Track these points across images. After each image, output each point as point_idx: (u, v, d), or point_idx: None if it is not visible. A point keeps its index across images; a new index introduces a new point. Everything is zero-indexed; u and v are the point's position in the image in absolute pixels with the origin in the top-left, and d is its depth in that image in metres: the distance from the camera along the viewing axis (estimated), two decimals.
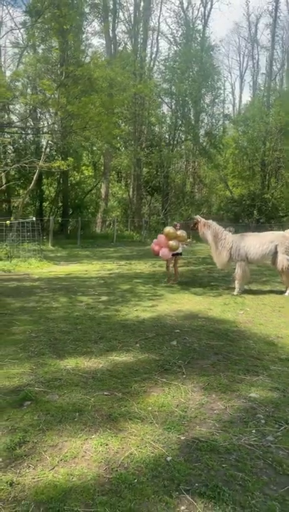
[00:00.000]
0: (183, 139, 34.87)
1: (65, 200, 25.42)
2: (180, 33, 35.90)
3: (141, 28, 32.94)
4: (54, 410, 3.38)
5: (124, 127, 32.33)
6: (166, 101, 35.43)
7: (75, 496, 2.36)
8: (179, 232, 9.31)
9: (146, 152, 31.22)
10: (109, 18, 30.52)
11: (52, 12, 17.91)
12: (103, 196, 28.66)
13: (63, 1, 17.84)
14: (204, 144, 34.05)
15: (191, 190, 38.04)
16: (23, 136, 19.93)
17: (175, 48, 36.23)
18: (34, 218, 14.48)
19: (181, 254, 10.21)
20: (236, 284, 8.80)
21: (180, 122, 34.79)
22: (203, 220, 9.09)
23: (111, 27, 30.09)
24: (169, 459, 2.74)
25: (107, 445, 2.88)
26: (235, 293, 8.67)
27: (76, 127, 20.87)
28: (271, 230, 12.49)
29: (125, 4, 33.11)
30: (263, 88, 40.33)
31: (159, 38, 37.19)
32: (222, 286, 9.60)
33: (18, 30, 24.23)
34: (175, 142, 34.55)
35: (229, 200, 36.94)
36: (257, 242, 8.43)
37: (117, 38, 33.46)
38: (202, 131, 34.62)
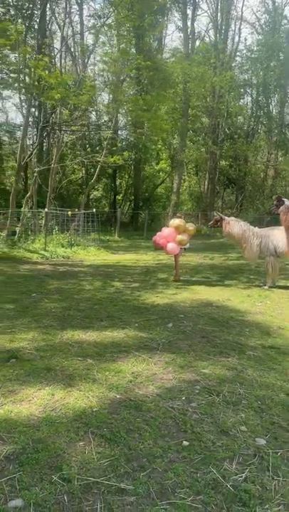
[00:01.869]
0: (261, 131, 33.83)
1: (136, 193, 26.40)
2: (263, 21, 34.66)
3: (220, 19, 32.47)
4: (29, 367, 4.07)
5: (203, 120, 32.47)
6: (246, 92, 34.67)
7: (5, 425, 3.00)
8: (188, 225, 8.95)
9: (221, 145, 31.02)
10: (189, 10, 30.63)
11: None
12: (175, 190, 29.17)
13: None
14: (281, 135, 32.68)
15: (272, 184, 36.80)
16: (98, 132, 21.14)
17: (257, 37, 35.17)
18: (94, 210, 15.52)
19: (185, 248, 10.20)
20: (267, 278, 8.81)
21: (260, 113, 33.88)
22: (226, 218, 8.96)
23: (190, 20, 30.22)
24: (95, 409, 3.25)
25: (53, 395, 3.48)
26: (266, 287, 8.69)
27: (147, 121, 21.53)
28: None
29: None
30: None
31: (242, 27, 36.31)
32: (260, 280, 9.62)
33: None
34: (254, 134, 33.72)
35: None
36: (285, 236, 8.35)
37: (196, 30, 33.60)
38: (281, 123, 33.19)
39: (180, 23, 31.56)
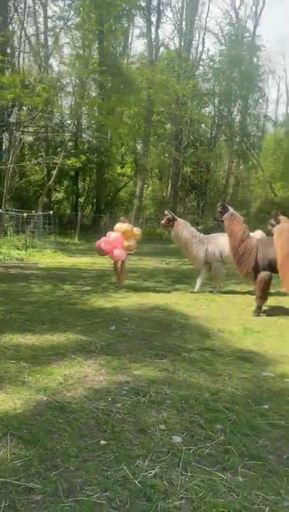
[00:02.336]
0: (222, 140, 34.69)
1: (99, 196, 26.36)
2: (226, 32, 35.56)
3: (184, 28, 33.09)
4: None
5: (166, 126, 32.91)
6: (209, 101, 35.41)
7: None
8: (135, 230, 8.79)
9: (184, 152, 31.54)
10: (153, 17, 30.98)
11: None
12: (137, 194, 29.35)
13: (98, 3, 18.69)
14: (242, 144, 33.66)
15: (233, 192, 37.68)
16: (57, 134, 21.02)
17: (220, 48, 36.08)
18: (52, 212, 15.40)
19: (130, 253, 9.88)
20: (215, 283, 9.06)
21: (222, 122, 34.73)
22: (179, 219, 8.95)
23: (154, 27, 30.58)
24: (18, 411, 3.26)
25: None
26: (214, 291, 8.93)
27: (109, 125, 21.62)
28: None
29: (170, 4, 33.08)
30: None
31: (205, 37, 37.09)
32: (210, 284, 9.84)
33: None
34: (215, 142, 34.51)
35: (270, 202, 36.18)
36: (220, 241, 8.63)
37: (162, 37, 34.11)
38: (241, 132, 34.17)
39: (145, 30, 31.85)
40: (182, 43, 33.55)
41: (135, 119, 27.67)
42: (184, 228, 8.82)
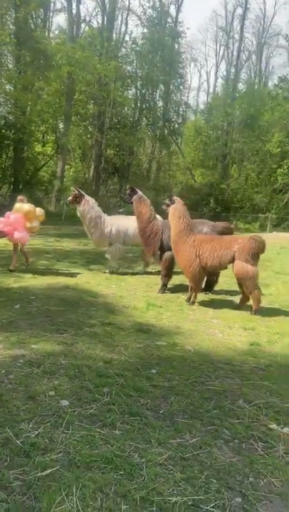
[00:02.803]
0: (144, 124, 35.03)
1: (16, 174, 25.39)
2: (150, 16, 35.60)
3: (107, 6, 32.59)
4: None
5: (89, 107, 32.36)
6: (132, 83, 35.41)
7: None
8: (37, 211, 8.36)
9: (106, 134, 31.40)
10: None
11: None
12: (58, 174, 28.77)
13: None
14: (164, 130, 34.34)
15: (155, 176, 38.34)
16: None
17: (142, 31, 36.15)
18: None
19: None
20: (111, 263, 9.14)
21: (144, 106, 35.05)
22: (87, 196, 8.78)
23: (75, 2, 29.70)
24: None
25: None
26: (108, 271, 8.98)
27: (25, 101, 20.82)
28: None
29: None
30: (229, 79, 40.74)
31: (128, 18, 36.79)
32: (125, 265, 10.10)
33: None
34: (137, 126, 34.76)
35: (189, 188, 37.46)
36: (133, 225, 8.77)
37: (84, 13, 33.28)
38: (163, 117, 34.80)
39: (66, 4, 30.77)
40: (105, 22, 33.08)
41: (55, 96, 26.85)
42: (91, 207, 8.66)
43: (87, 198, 8.75)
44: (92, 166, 32.72)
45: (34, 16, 26.87)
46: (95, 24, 33.92)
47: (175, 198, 6.81)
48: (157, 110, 35.20)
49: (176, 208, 6.63)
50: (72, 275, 8.44)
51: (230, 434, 2.98)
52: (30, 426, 2.84)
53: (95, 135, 30.34)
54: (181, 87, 36.71)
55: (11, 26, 24.21)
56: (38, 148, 29.88)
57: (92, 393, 3.38)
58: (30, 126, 22.94)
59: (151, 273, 9.34)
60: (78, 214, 8.83)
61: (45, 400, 3.21)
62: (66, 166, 31.78)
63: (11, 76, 21.03)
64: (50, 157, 29.40)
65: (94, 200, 8.95)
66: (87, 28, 33.26)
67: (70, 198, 8.80)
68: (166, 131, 35.15)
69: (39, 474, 2.36)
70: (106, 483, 2.34)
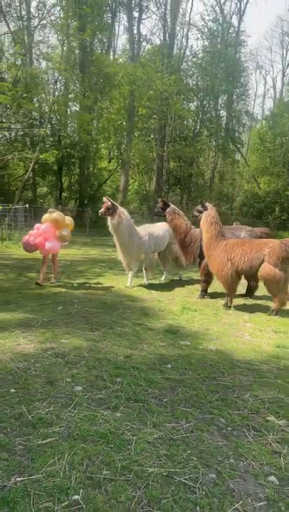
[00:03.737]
0: (205, 135, 35.18)
1: (81, 190, 26.82)
2: (208, 29, 35.95)
3: (169, 24, 33.51)
4: None
5: (151, 121, 33.32)
6: (193, 95, 35.86)
7: None
8: (67, 220, 8.06)
9: (168, 147, 32.05)
10: (136, 13, 31.31)
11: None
12: (121, 188, 29.86)
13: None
14: (227, 139, 34.20)
15: (216, 184, 38.20)
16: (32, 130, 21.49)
17: (202, 43, 36.59)
18: (27, 206, 15.87)
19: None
20: (149, 274, 9.02)
21: (204, 117, 35.25)
22: (120, 207, 8.01)
23: (136, 22, 30.95)
24: None
25: None
26: (145, 282, 8.83)
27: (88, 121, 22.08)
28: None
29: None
30: None
31: (189, 33, 37.46)
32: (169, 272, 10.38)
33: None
34: (198, 137, 35.00)
35: (254, 196, 36.78)
36: (159, 233, 8.75)
37: (145, 33, 34.48)
38: (225, 127, 34.72)
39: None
40: (167, 38, 34.00)
41: (118, 114, 28.09)
42: (127, 219, 7.91)
43: (121, 209, 7.95)
44: (154, 178, 33.50)
45: (97, 40, 28.45)
46: (156, 41, 34.92)
47: (207, 204, 6.99)
48: (219, 120, 35.23)
49: (209, 214, 6.81)
50: (119, 281, 8.88)
51: (225, 423, 3.15)
52: (43, 405, 3.24)
53: (156, 148, 31.11)
54: (243, 96, 36.37)
55: (76, 51, 25.98)
56: (103, 163, 31.34)
57: (105, 382, 3.71)
58: (92, 144, 24.19)
59: (193, 280, 9.52)
60: (110, 227, 7.94)
61: (62, 385, 3.60)
62: (131, 180, 32.91)
63: (77, 98, 22.39)
64: (112, 172, 30.63)
65: (127, 212, 8.17)
66: (148, 46, 34.43)
67: (102, 209, 7.87)
68: (229, 141, 34.99)
69: (40, 442, 2.74)
70: (95, 453, 2.65)
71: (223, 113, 36.15)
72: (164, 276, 9.55)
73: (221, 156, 36.15)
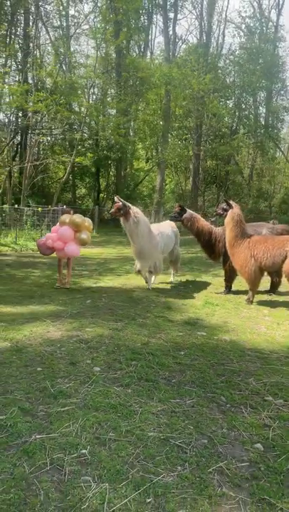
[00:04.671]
0: (241, 132, 34.90)
1: (118, 191, 27.49)
2: (246, 25, 35.65)
3: (205, 23, 33.57)
4: None
5: (188, 120, 33.55)
6: (230, 93, 35.68)
7: None
8: (87, 222, 7.73)
9: (204, 145, 32.13)
10: (171, 14, 31.64)
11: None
12: (157, 188, 30.30)
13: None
14: (266, 135, 33.78)
15: (255, 182, 37.77)
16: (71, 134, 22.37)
17: (240, 40, 36.27)
18: (65, 207, 16.59)
19: None
20: (154, 277, 8.59)
21: (242, 115, 34.99)
22: (132, 206, 7.30)
23: (172, 23, 31.27)
24: None
25: None
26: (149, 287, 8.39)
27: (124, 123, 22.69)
28: None
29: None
30: None
31: (226, 30, 37.28)
32: (200, 269, 10.69)
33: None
34: (234, 135, 34.79)
35: None
36: (168, 232, 8.65)
37: (181, 33, 34.70)
38: (263, 124, 34.30)
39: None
40: (204, 37, 34.07)
41: (153, 115, 28.54)
42: (143, 220, 7.37)
43: (134, 209, 7.25)
44: (191, 177, 33.67)
45: (133, 42, 29.05)
46: (191, 40, 35.08)
47: (232, 202, 7.23)
48: (257, 117, 34.89)
49: (235, 213, 7.05)
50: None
51: (225, 401, 3.48)
52: (65, 381, 3.70)
53: (192, 147, 31.29)
54: (282, 92, 35.77)
55: (113, 55, 26.71)
56: (140, 164, 31.94)
57: (121, 364, 4.13)
58: (128, 146, 24.78)
59: (219, 276, 9.76)
60: (124, 228, 7.44)
61: (82, 365, 4.05)
62: (168, 179, 33.29)
63: (113, 103, 23.05)
64: (147, 172, 31.13)
65: (140, 211, 7.54)
66: (183, 46, 34.66)
67: (112, 209, 7.33)
68: (267, 137, 34.54)
69: (59, 409, 3.19)
70: (104, 420, 3.07)
71: (261, 110, 35.69)
72: (172, 277, 9.26)
73: (259, 153, 35.76)
